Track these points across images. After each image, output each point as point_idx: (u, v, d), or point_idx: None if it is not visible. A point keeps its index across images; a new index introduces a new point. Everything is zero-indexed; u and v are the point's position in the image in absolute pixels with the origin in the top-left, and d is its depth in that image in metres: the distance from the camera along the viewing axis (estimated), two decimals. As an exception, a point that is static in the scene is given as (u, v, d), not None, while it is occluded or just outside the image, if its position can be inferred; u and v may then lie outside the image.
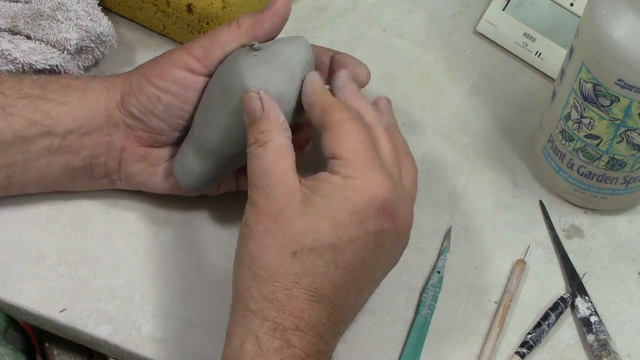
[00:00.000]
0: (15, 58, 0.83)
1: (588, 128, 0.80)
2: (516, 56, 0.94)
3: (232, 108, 0.75)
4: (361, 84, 0.78)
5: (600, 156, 0.81)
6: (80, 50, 0.86)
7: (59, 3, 0.85)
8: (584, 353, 0.81)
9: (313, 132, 0.80)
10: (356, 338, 0.80)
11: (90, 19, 0.85)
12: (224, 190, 0.82)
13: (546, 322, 0.81)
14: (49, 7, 0.85)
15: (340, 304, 0.70)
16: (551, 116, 0.84)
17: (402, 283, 0.82)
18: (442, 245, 0.84)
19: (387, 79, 0.92)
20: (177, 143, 0.80)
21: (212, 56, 0.77)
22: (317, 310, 0.69)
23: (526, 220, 0.86)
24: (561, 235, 0.86)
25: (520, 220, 0.86)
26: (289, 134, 0.72)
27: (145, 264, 0.81)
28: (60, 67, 0.84)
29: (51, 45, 0.84)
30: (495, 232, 0.86)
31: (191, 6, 0.87)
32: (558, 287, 0.84)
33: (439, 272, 0.83)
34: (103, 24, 0.86)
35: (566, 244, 0.85)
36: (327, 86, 0.76)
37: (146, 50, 0.91)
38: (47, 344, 0.83)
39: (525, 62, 0.93)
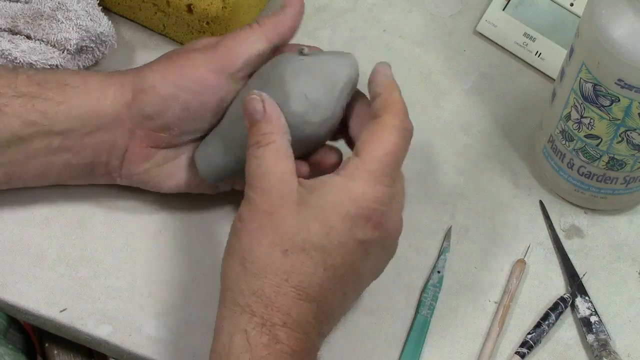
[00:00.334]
0: (15, 58, 0.83)
1: (588, 128, 0.80)
2: (516, 56, 0.94)
3: None
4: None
5: (600, 156, 0.81)
6: (80, 50, 0.86)
7: (59, 3, 0.85)
8: (584, 353, 0.81)
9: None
10: (356, 338, 0.80)
11: (90, 19, 0.85)
12: (222, 189, 0.82)
13: (546, 322, 0.81)
14: (49, 7, 0.85)
15: (325, 306, 0.70)
16: (551, 116, 0.84)
17: (402, 283, 0.82)
18: (442, 245, 0.84)
19: (387, 79, 0.92)
20: (183, 145, 0.80)
21: (238, 56, 0.76)
22: (304, 308, 0.69)
23: (526, 220, 0.86)
24: (561, 236, 0.86)
25: (520, 220, 0.86)
26: (289, 136, 0.72)
27: (145, 264, 0.81)
28: (60, 67, 0.84)
29: (51, 45, 0.84)
30: (495, 232, 0.85)
31: (191, 6, 0.87)
32: (558, 287, 0.84)
33: (439, 272, 0.82)
34: (103, 24, 0.86)
35: (566, 244, 0.85)
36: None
37: (146, 50, 0.91)
38: (47, 344, 0.83)
39: (525, 62, 0.93)
